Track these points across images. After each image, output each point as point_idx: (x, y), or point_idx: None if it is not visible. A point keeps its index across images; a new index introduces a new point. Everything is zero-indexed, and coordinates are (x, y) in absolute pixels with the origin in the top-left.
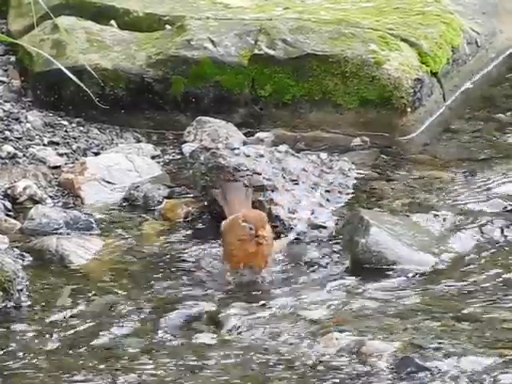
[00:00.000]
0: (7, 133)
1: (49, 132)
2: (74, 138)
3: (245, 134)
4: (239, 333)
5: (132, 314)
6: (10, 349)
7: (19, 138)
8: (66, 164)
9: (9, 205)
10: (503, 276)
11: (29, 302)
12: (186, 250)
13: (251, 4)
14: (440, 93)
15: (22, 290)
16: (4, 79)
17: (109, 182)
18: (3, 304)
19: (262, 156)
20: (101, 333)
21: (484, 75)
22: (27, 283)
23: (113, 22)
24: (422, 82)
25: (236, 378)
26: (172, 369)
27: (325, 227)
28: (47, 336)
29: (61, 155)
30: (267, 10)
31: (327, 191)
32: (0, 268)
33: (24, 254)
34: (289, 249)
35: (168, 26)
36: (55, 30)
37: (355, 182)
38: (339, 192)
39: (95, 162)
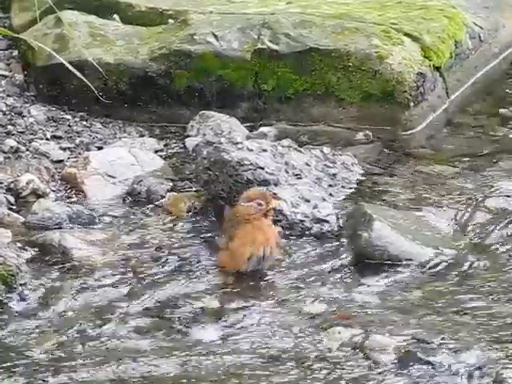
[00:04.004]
0: (10, 127)
1: (52, 126)
2: (77, 133)
3: (248, 129)
4: (241, 328)
5: (134, 309)
6: (12, 343)
7: (22, 133)
8: (68, 158)
9: (12, 199)
10: (506, 271)
11: (31, 296)
12: (189, 244)
13: None
14: (443, 87)
15: (24, 284)
16: (7, 73)
17: (112, 177)
18: (6, 298)
19: (265, 150)
20: (103, 327)
21: (487, 70)
22: (30, 277)
23: (116, 16)
24: (424, 77)
25: (238, 373)
26: (174, 364)
27: (328, 221)
28: (49, 330)
29: (64, 149)
30: (270, 5)
31: (330, 185)
32: (3, 262)
33: (27, 248)
34: (292, 243)
35: (171, 21)
36: (58, 24)
37: (358, 176)
38: (342, 186)
39: (98, 157)
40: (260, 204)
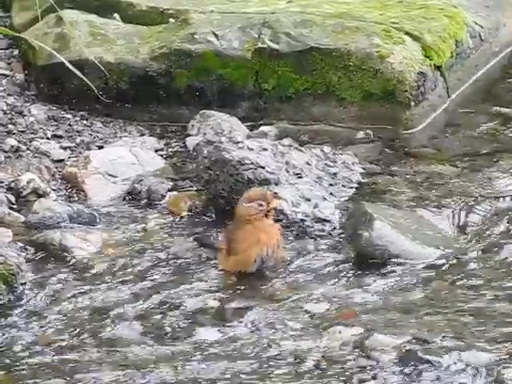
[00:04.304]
0: (11, 126)
1: (52, 125)
2: (78, 132)
3: (248, 128)
4: (243, 327)
5: (134, 309)
6: (12, 342)
7: (23, 132)
8: (69, 157)
9: (12, 198)
10: (507, 270)
11: (32, 296)
12: (190, 244)
13: None
14: (444, 87)
15: (25, 283)
16: (7, 73)
17: (112, 176)
18: (6, 297)
19: (265, 149)
20: (103, 327)
21: (488, 69)
22: (30, 277)
23: (116, 15)
24: (425, 76)
25: (239, 372)
26: (175, 364)
27: (328, 221)
28: (50, 329)
29: (64, 149)
30: (270, 4)
31: (331, 185)
32: (3, 261)
33: (27, 247)
34: (292, 242)
35: (172, 20)
36: (59, 23)
37: (359, 175)
38: (343, 186)
39: (99, 156)
40: (261, 204)
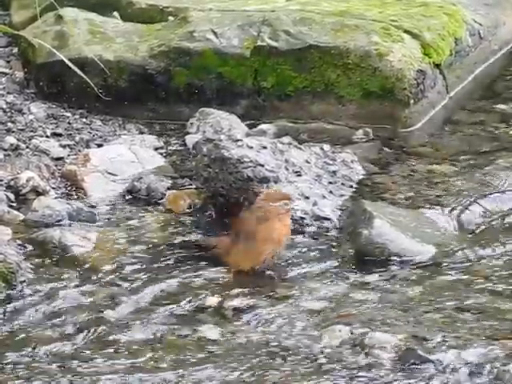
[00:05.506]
0: (10, 124)
1: (52, 123)
2: (77, 130)
3: (248, 126)
4: (242, 325)
5: (134, 306)
6: (12, 340)
7: (22, 130)
8: (68, 156)
9: (12, 196)
10: (505, 267)
11: (31, 294)
12: (189, 242)
13: None
14: (443, 84)
15: (24, 281)
16: (7, 71)
17: (112, 174)
18: (6, 295)
19: (264, 148)
20: (103, 324)
21: (487, 67)
22: (30, 274)
23: (115, 13)
24: (424, 74)
25: (239, 370)
26: (174, 362)
27: (328, 219)
28: (49, 327)
29: (64, 147)
30: (270, 2)
31: (330, 183)
32: (3, 260)
33: (27, 245)
34: (292, 240)
35: (171, 18)
36: (58, 21)
37: (358, 174)
38: (342, 184)
39: (98, 154)
40: (286, 204)
